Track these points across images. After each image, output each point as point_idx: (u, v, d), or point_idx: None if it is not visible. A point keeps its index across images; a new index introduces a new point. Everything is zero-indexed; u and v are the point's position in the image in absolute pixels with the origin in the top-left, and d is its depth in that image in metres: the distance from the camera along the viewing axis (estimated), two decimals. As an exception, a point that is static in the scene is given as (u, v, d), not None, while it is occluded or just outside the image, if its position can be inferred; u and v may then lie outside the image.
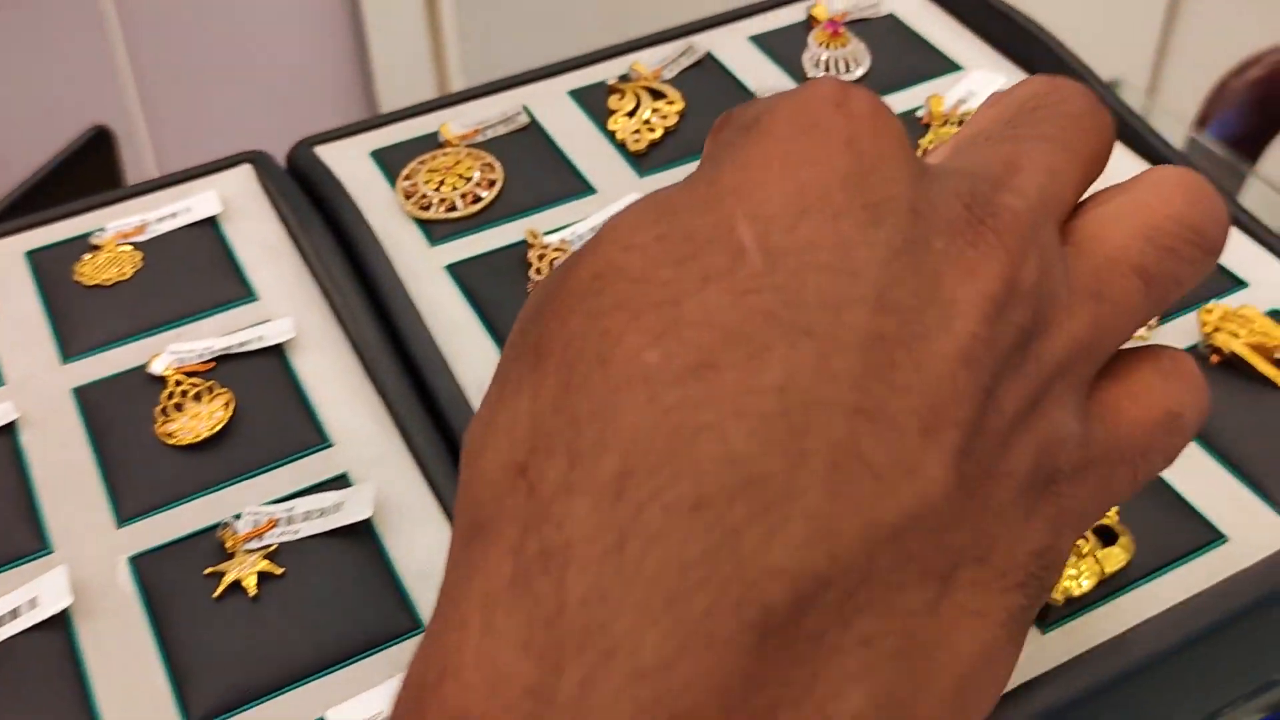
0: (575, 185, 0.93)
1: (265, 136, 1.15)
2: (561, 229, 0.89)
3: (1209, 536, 0.70)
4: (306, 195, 0.93)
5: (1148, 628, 0.65)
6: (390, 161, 0.95)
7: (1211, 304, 0.79)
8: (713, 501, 0.27)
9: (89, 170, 1.56)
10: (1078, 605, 0.67)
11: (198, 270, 0.87)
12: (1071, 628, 0.66)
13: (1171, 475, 0.73)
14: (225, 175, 0.94)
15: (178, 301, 0.85)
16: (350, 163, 0.95)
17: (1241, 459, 0.74)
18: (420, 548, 0.71)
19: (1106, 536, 0.69)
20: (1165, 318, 0.81)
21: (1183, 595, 0.67)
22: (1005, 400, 0.31)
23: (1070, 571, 0.66)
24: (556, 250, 0.85)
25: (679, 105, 0.97)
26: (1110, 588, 0.68)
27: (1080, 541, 0.67)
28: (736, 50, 1.04)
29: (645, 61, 1.01)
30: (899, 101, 0.98)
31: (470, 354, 0.81)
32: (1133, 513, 0.70)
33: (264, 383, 0.79)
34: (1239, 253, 0.86)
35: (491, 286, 0.85)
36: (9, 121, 1.99)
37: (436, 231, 0.89)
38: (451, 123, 0.97)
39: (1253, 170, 1.45)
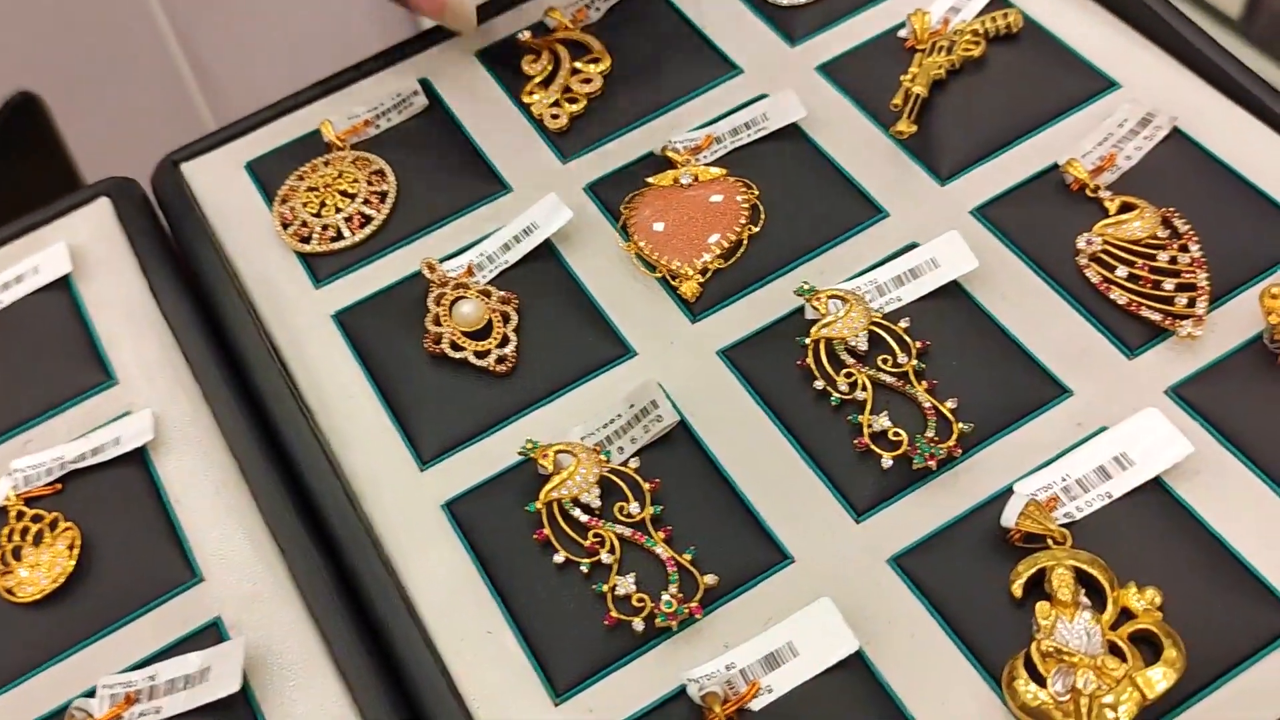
0: (484, 184, 0.76)
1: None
2: (469, 246, 0.73)
3: (1285, 621, 0.55)
4: (172, 235, 0.78)
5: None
6: (267, 176, 0.79)
7: (1276, 282, 0.61)
8: None
9: (18, 140, 1.41)
10: (1116, 745, 0.52)
11: (48, 350, 0.73)
12: (1110, 774, 0.52)
13: (1233, 531, 0.57)
14: (82, 213, 0.79)
15: (26, 396, 0.71)
16: (222, 182, 0.80)
17: (1323, 501, 0.57)
18: (301, 715, 0.58)
19: (1146, 647, 0.54)
20: (1217, 301, 0.64)
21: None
22: None
23: (1106, 700, 0.51)
24: (458, 286, 0.69)
25: (604, 63, 0.80)
26: (1157, 713, 0.53)
27: (1110, 661, 0.52)
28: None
29: (562, 3, 0.83)
30: (866, 21, 0.80)
31: (362, 434, 0.67)
32: (1180, 600, 0.55)
33: (121, 503, 0.66)
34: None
35: (385, 340, 0.70)
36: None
37: (321, 268, 0.74)
38: (334, 117, 0.80)
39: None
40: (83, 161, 1.22)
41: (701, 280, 0.69)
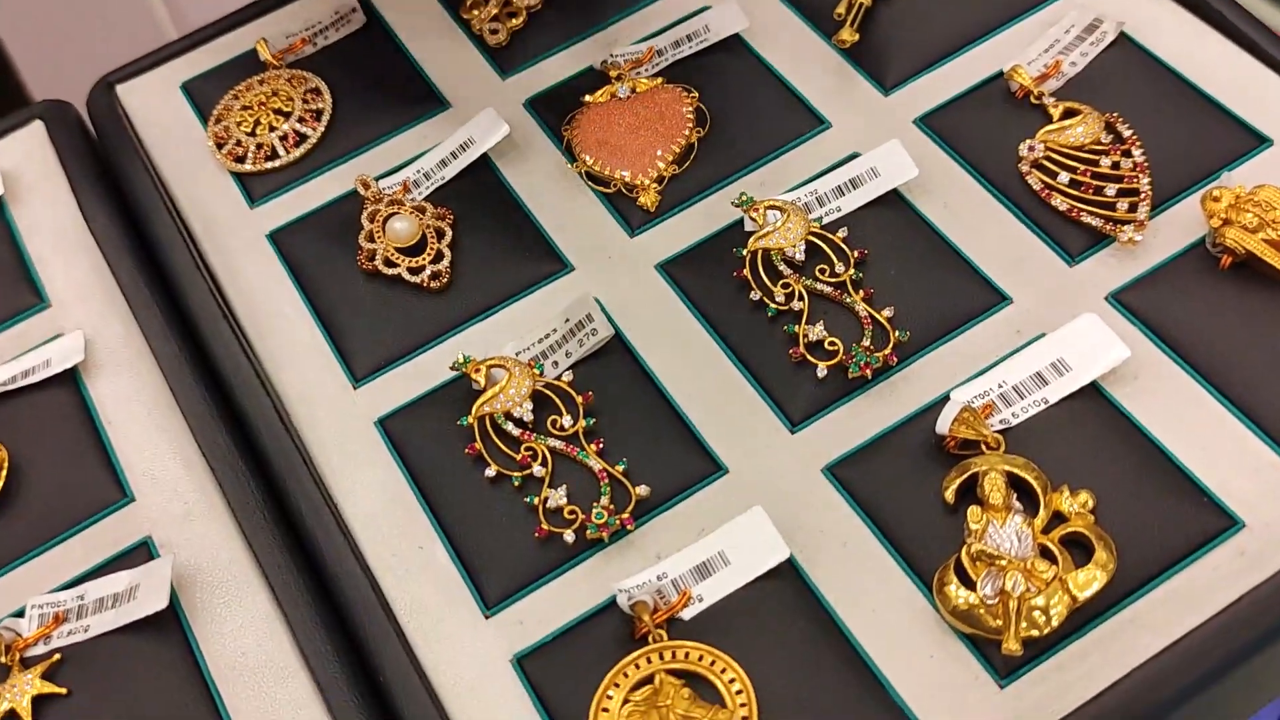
0: (421, 101, 0.75)
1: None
2: (408, 163, 0.72)
3: (1221, 524, 0.54)
4: (108, 157, 0.76)
5: (1143, 676, 0.50)
6: (203, 96, 0.78)
7: (1219, 185, 0.60)
8: None
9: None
10: (1044, 646, 0.52)
11: (-20, 274, 0.72)
12: (1039, 676, 0.51)
13: (1170, 436, 0.56)
14: (15, 137, 0.78)
15: (-44, 320, 0.70)
16: (158, 103, 0.78)
17: (1261, 403, 0.57)
18: (230, 631, 0.57)
19: (1078, 550, 0.53)
20: (1160, 206, 0.63)
21: (1182, 626, 0.52)
22: None
23: (1036, 602, 0.51)
24: (393, 203, 0.68)
25: (544, -23, 0.78)
26: (1088, 615, 0.52)
27: (1040, 564, 0.51)
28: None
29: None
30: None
31: (295, 353, 0.66)
32: (1114, 504, 0.54)
33: (52, 424, 0.65)
34: (1260, 93, 0.67)
35: (320, 259, 0.69)
36: None
37: (255, 188, 0.73)
38: (271, 35, 0.78)
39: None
40: (34, 83, 1.19)
41: (660, 188, 0.68)
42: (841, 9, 0.72)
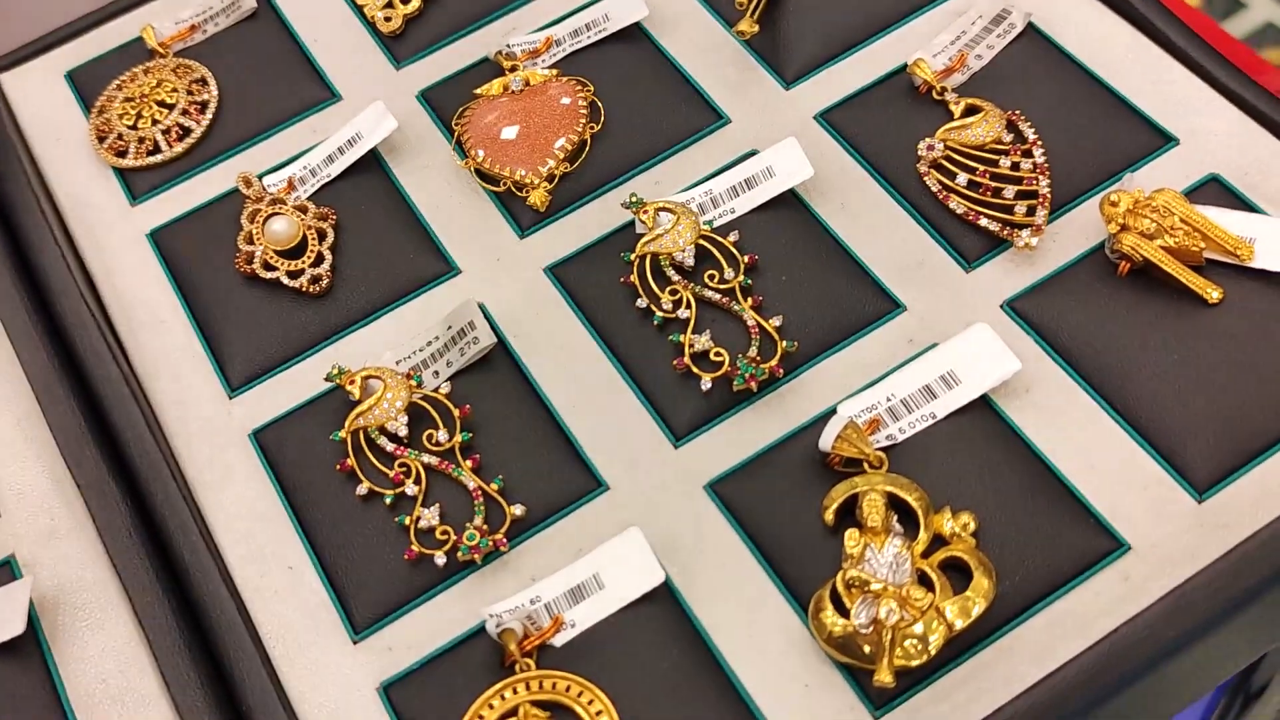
0: (312, 91, 0.72)
1: None
2: (294, 159, 0.69)
3: (1106, 546, 0.52)
4: (-16, 150, 0.73)
5: (1021, 706, 0.49)
6: (89, 86, 0.75)
7: (1118, 189, 0.58)
8: None
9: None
10: (920, 675, 0.50)
11: None
12: (914, 707, 0.50)
13: (1059, 452, 0.55)
14: (-106, 128, 0.75)
15: None
16: (41, 93, 0.75)
17: (1152, 417, 0.55)
18: (92, 656, 0.56)
19: (958, 574, 0.51)
20: (1056, 211, 0.61)
21: (1062, 654, 0.50)
22: None
23: (913, 631, 0.49)
24: (273, 203, 0.66)
25: (440, -40, 0.75)
26: (967, 642, 0.51)
27: (916, 591, 0.50)
28: None
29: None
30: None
31: (171, 360, 0.63)
32: (998, 524, 0.53)
33: (-84, 435, 0.62)
34: (1167, 90, 0.65)
35: (200, 261, 0.66)
36: None
37: (137, 184, 0.70)
38: (160, 22, 0.76)
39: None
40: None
41: (550, 187, 0.65)
42: (743, -4, 0.70)
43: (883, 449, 0.55)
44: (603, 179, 0.66)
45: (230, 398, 0.62)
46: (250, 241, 0.65)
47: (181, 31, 0.75)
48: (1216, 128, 0.63)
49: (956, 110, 0.64)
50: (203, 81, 0.72)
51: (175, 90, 0.72)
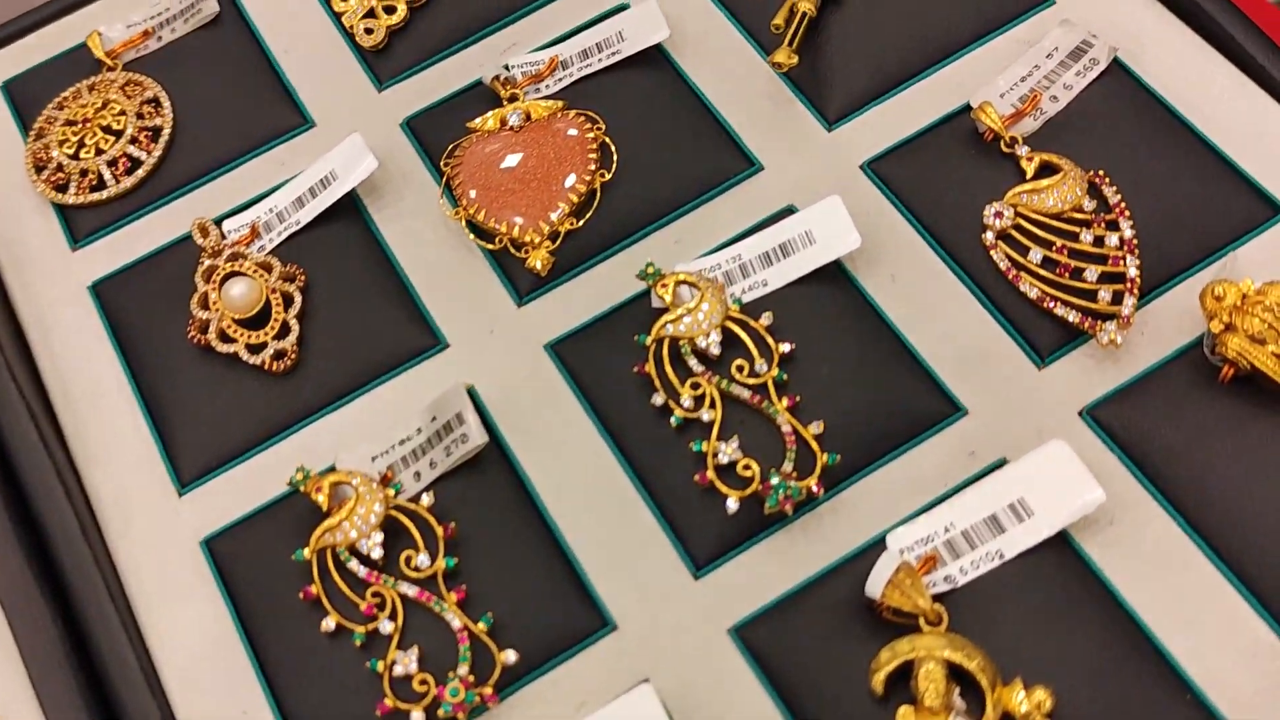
0: (281, 115, 0.63)
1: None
2: (259, 198, 0.60)
3: (1203, 729, 0.44)
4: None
5: None
6: (27, 101, 0.65)
7: (1223, 278, 0.49)
8: None
9: None
10: None
11: None
12: None
13: (1148, 604, 0.46)
14: None
15: None
16: (-27, 106, 0.66)
17: (1264, 567, 0.47)
18: (19, 819, 0.48)
19: None
20: (1147, 296, 0.52)
21: None
22: None
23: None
24: (233, 258, 0.57)
25: (430, -38, 0.65)
26: None
27: None
28: None
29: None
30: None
31: (113, 445, 0.55)
32: (1079, 698, 0.44)
33: None
34: (1278, 147, 0.55)
35: (149, 321, 0.58)
36: None
37: (79, 224, 0.61)
38: (109, 26, 0.66)
39: None
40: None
41: (553, 247, 0.56)
42: (780, 19, 0.60)
43: (940, 595, 0.46)
44: (615, 236, 0.57)
45: (180, 494, 0.54)
46: (206, 306, 0.56)
47: (133, 38, 0.65)
48: (1335, 197, 0.54)
49: (1029, 168, 0.55)
50: (155, 103, 0.63)
51: (123, 114, 0.62)
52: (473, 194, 0.58)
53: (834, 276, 0.54)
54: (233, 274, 0.56)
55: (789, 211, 0.56)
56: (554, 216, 0.57)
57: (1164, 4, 0.59)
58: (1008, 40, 0.60)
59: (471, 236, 0.57)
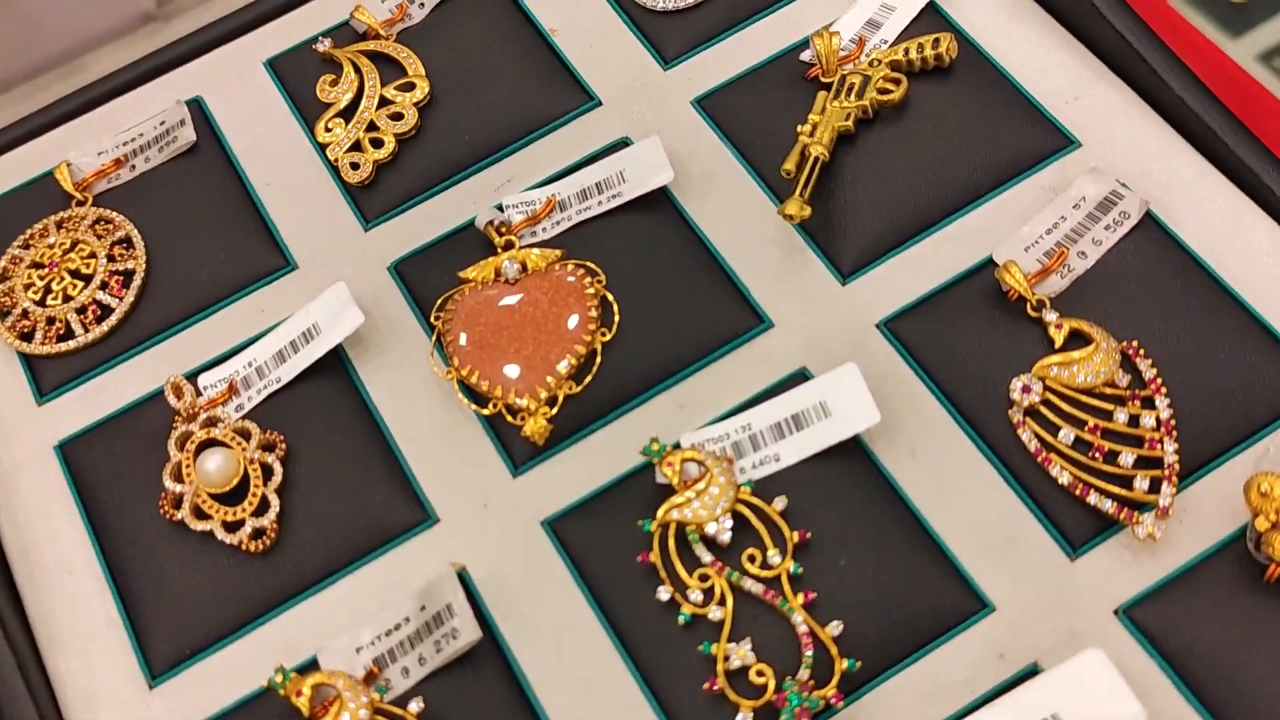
0: (261, 258, 0.59)
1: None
2: (238, 349, 0.57)
3: None
4: None
5: None
6: (-5, 231, 0.62)
7: (1268, 476, 0.46)
8: None
9: None
10: None
11: None
12: None
13: None
14: None
15: None
16: (-65, 239, 0.62)
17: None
18: None
19: None
20: (1185, 480, 0.49)
21: None
22: None
23: None
24: (209, 423, 0.53)
25: (420, 90, 0.62)
26: None
27: None
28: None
29: (372, 3, 0.65)
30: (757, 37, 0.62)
31: (80, 629, 0.51)
32: None
33: None
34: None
35: (121, 489, 0.54)
36: None
37: (45, 377, 0.58)
38: (80, 152, 0.62)
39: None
40: None
41: (550, 414, 0.53)
42: (790, 164, 0.56)
43: (971, 824, 0.43)
44: (616, 400, 0.54)
45: (151, 687, 0.50)
46: (179, 478, 0.53)
47: (105, 167, 0.62)
48: (1384, 372, 0.50)
49: (1058, 337, 0.51)
50: (127, 243, 0.59)
51: (93, 256, 0.59)
52: (465, 352, 0.54)
53: (851, 450, 0.51)
54: (208, 442, 0.53)
55: (801, 374, 0.53)
56: (551, 381, 0.53)
57: (1199, 150, 0.56)
58: (1032, 186, 0.56)
59: (464, 399, 0.54)
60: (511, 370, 0.54)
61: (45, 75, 1.56)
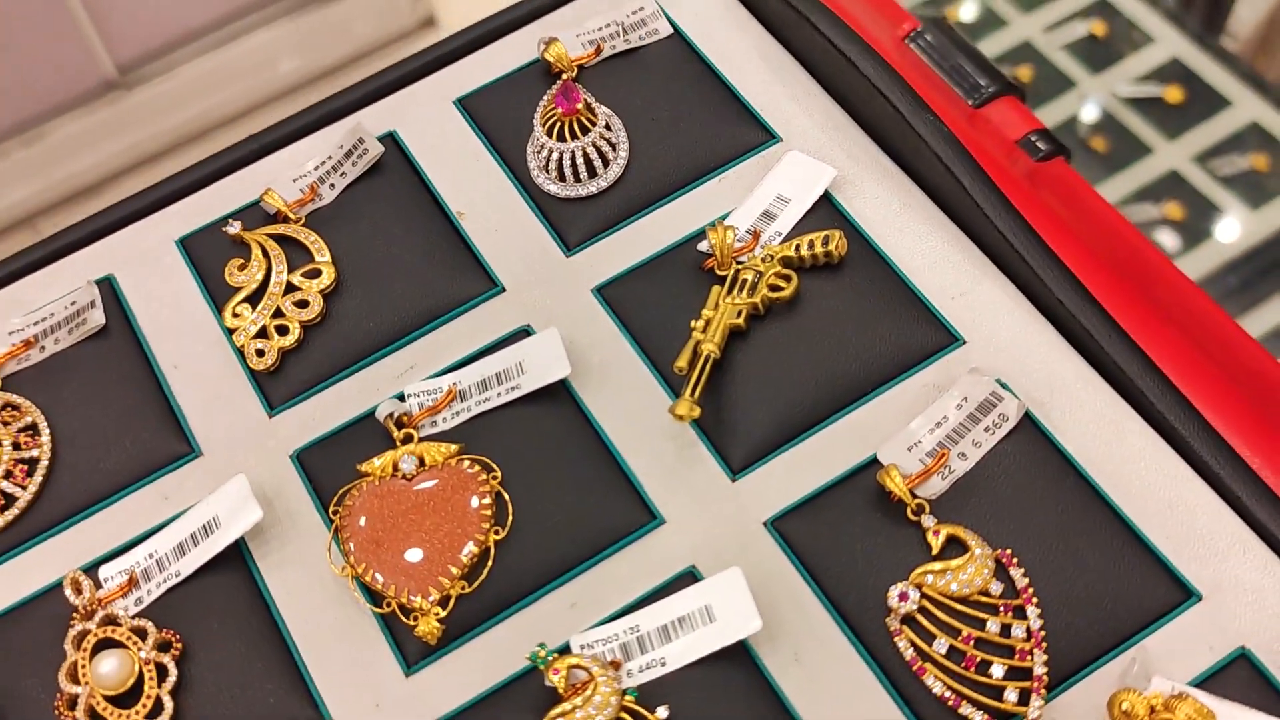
0: (166, 445, 0.60)
1: None
2: (139, 540, 0.57)
3: None
4: None
5: None
6: (-100, 413, 0.62)
7: (1129, 693, 0.48)
8: None
9: None
10: None
11: None
12: None
13: None
14: None
15: None
16: None
17: None
18: None
19: None
20: (1054, 690, 0.50)
21: None
22: None
23: None
24: (106, 622, 0.54)
25: (327, 276, 0.63)
26: None
27: None
28: (428, 126, 0.69)
29: (283, 183, 0.66)
30: (675, 218, 0.64)
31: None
32: None
33: None
34: (1189, 521, 0.54)
35: (21, 690, 0.54)
36: None
37: (-52, 567, 0.58)
38: (-10, 331, 0.63)
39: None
40: None
41: (443, 614, 0.54)
42: (683, 360, 0.58)
43: None
44: (509, 598, 0.55)
45: None
46: (75, 679, 0.53)
47: (14, 349, 0.63)
48: (1248, 579, 0.52)
49: (935, 543, 0.53)
50: (33, 430, 0.60)
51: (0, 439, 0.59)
52: (362, 548, 0.55)
53: (736, 654, 0.52)
54: (104, 643, 0.53)
55: (690, 574, 0.54)
56: (444, 581, 0.54)
57: (1079, 351, 0.58)
58: (917, 383, 0.58)
59: (359, 597, 0.55)
60: (414, 554, 0.55)
61: (6, 142, 1.54)
